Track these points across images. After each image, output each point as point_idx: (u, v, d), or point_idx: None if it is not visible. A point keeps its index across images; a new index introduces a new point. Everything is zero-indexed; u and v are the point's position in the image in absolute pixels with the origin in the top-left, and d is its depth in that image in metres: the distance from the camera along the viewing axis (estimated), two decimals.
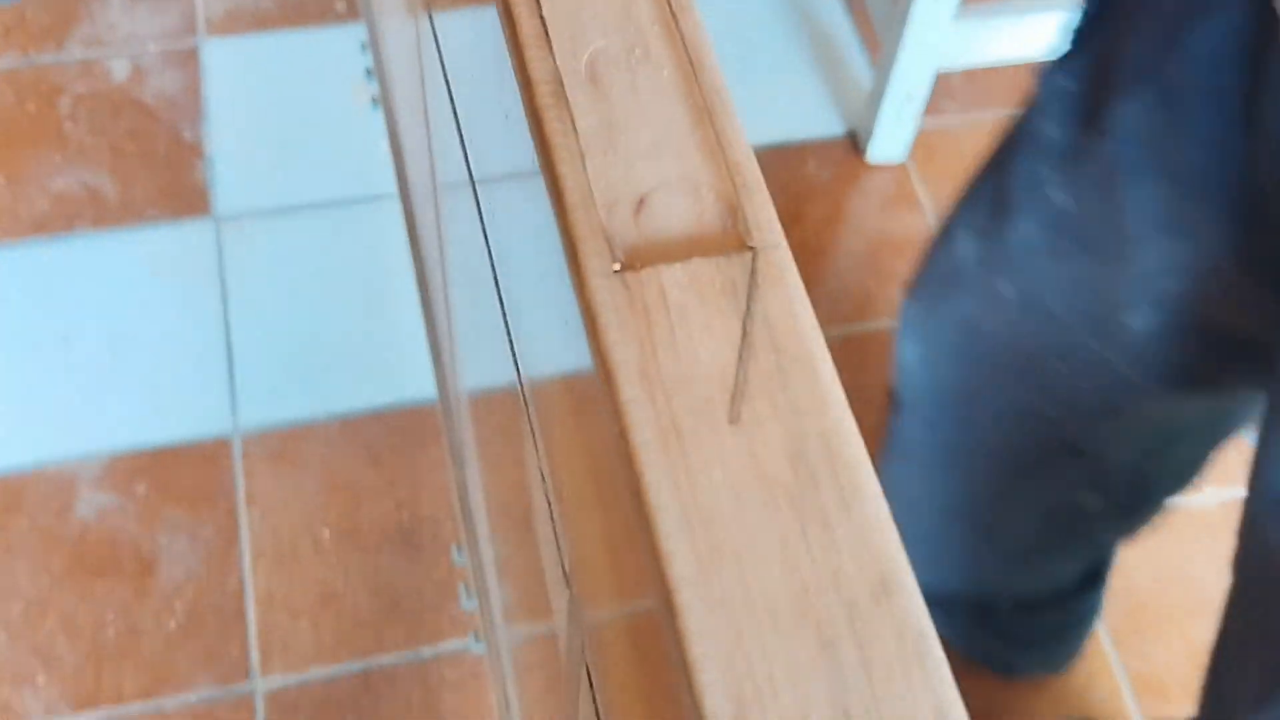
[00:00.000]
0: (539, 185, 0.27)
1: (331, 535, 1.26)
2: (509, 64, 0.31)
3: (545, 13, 0.26)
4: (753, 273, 0.23)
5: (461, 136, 0.62)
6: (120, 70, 1.49)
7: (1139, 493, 0.91)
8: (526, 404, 0.58)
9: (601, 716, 0.44)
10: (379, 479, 1.29)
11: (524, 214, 0.48)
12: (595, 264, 0.24)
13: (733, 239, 0.24)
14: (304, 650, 1.20)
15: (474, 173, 0.66)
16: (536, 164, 0.26)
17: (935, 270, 0.79)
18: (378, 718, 1.17)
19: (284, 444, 1.30)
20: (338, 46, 1.52)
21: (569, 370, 0.44)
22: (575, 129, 0.25)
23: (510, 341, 0.60)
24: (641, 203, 0.24)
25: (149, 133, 1.45)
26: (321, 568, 1.24)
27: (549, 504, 0.55)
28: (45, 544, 1.23)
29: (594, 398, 0.31)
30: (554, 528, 0.54)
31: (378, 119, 1.47)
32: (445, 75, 0.58)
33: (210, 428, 1.30)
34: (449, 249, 0.84)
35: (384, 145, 1.45)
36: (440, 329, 1.19)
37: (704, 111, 0.25)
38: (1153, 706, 1.21)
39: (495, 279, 0.62)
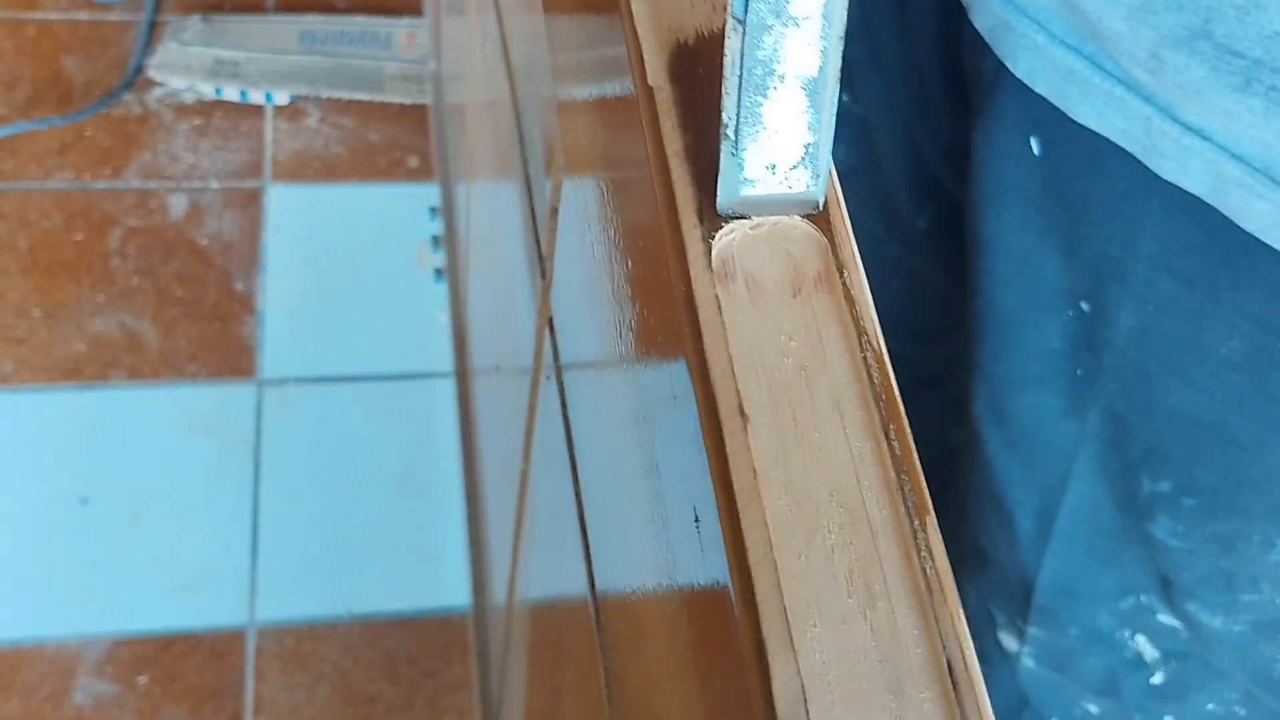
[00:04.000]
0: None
1: None
2: None
3: None
4: None
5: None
6: (178, 206, 1.43)
7: None
8: (598, 620, 0.51)
9: None
10: (397, 696, 1.21)
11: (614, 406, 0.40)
12: None
13: None
14: None
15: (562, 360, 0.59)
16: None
17: None
18: None
19: (300, 643, 1.22)
20: (406, 207, 1.46)
21: (657, 586, 0.37)
22: None
23: (586, 546, 0.53)
24: None
25: (200, 279, 1.38)
26: None
27: None
28: None
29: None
30: None
31: (440, 291, 1.40)
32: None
33: (224, 617, 1.22)
34: (536, 437, 0.76)
35: (442, 319, 1.38)
36: (497, 525, 1.11)
37: None
38: None
39: (574, 474, 0.55)
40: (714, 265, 0.30)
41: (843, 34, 0.28)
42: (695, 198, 0.31)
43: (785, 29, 0.28)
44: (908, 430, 0.28)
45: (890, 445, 0.28)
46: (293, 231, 1.42)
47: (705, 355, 0.28)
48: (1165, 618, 0.62)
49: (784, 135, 0.29)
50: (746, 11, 0.27)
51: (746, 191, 0.30)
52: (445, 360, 1.36)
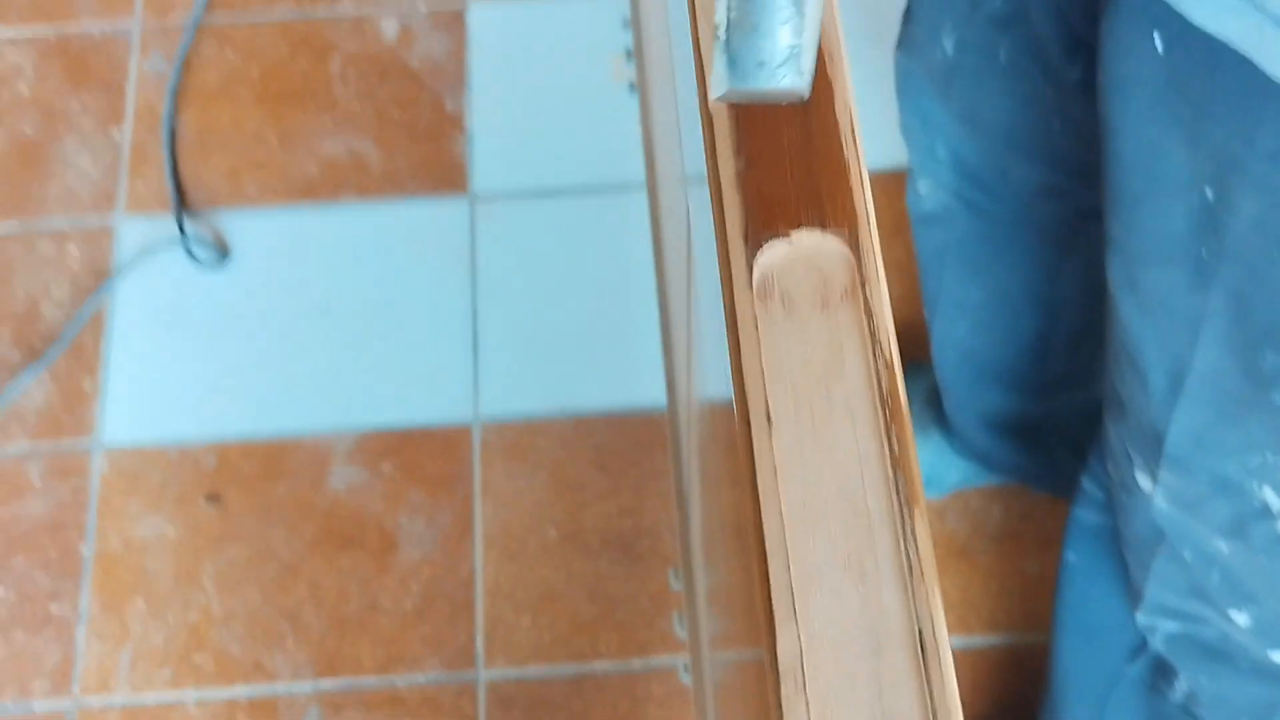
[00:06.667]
0: None
1: (557, 535, 1.32)
2: None
3: None
4: None
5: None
6: (390, 30, 1.51)
7: None
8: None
9: None
10: (605, 483, 1.34)
11: None
12: None
13: None
14: (524, 646, 1.28)
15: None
16: None
17: (927, 68, 0.87)
18: None
19: (519, 437, 1.36)
20: (600, 20, 1.49)
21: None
22: None
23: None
24: None
25: (414, 100, 1.48)
26: (546, 566, 1.31)
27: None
28: (300, 511, 1.33)
29: None
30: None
31: (634, 103, 1.45)
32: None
33: (453, 414, 1.36)
34: (697, 244, 0.84)
35: (638, 132, 1.44)
36: (677, 331, 1.20)
37: None
38: None
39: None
40: (755, 284, 0.36)
41: None
42: (742, 220, 0.36)
43: None
44: (908, 430, 0.34)
45: (891, 446, 0.34)
46: (495, 50, 1.49)
47: (742, 368, 0.35)
48: None
49: (772, 38, 0.34)
50: None
51: (737, 84, 0.35)
52: (641, 173, 1.42)
